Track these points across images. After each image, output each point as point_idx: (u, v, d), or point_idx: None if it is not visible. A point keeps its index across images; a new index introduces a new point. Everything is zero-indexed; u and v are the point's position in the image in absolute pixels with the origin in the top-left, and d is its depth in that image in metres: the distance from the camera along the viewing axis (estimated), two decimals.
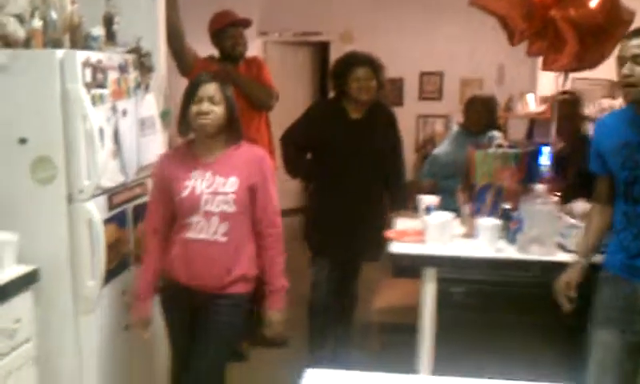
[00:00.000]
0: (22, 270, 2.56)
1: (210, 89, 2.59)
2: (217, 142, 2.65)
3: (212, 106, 2.58)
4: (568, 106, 4.13)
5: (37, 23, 2.74)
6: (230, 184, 2.59)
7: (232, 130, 2.67)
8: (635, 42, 2.31)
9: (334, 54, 8.19)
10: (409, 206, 3.63)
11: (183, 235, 2.63)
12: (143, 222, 2.92)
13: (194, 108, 2.59)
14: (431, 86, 8.19)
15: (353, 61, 3.63)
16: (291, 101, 8.30)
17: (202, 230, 2.59)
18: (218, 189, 2.59)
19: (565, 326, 3.00)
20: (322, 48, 8.53)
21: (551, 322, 3.10)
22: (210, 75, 2.69)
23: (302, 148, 3.77)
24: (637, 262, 2.46)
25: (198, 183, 2.60)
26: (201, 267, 2.62)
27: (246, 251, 2.69)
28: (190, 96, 2.62)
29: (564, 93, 4.22)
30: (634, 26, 2.80)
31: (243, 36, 4.11)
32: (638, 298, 2.45)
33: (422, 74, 8.08)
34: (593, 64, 3.56)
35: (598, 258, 2.69)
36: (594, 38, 3.41)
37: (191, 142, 2.71)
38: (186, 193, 2.59)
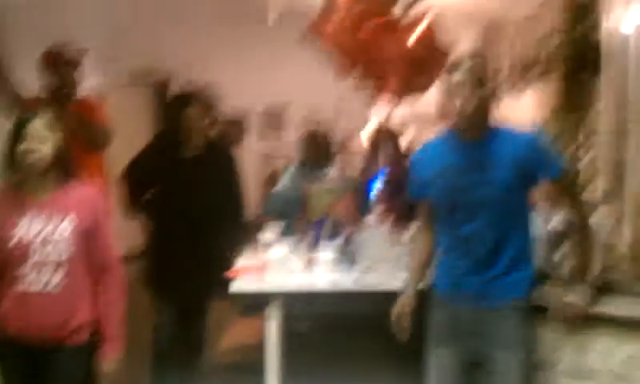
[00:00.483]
0: None
1: (37, 126, 2.47)
2: (47, 181, 2.51)
3: (39, 145, 2.45)
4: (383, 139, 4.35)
5: None
6: (64, 228, 2.47)
7: (62, 168, 2.55)
8: (456, 76, 2.44)
9: (173, 91, 8.10)
10: (250, 244, 3.64)
11: (14, 288, 2.45)
12: None
13: (21, 147, 2.45)
14: (272, 123, 8.32)
15: (185, 99, 3.61)
16: (130, 141, 8.13)
17: (34, 282, 2.44)
18: (50, 235, 2.45)
19: (403, 350, 3.10)
20: (162, 86, 8.40)
21: (390, 347, 3.20)
22: (35, 112, 2.56)
23: (142, 181, 3.69)
24: (460, 284, 2.57)
25: (28, 230, 2.44)
26: (35, 321, 2.46)
27: (86, 297, 2.56)
28: (16, 135, 2.48)
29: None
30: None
31: (72, 75, 3.95)
32: (463, 318, 2.56)
33: (262, 113, 8.20)
34: (417, 94, 3.79)
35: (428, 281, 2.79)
36: (416, 70, 3.64)
37: (16, 184, 2.52)
38: (14, 242, 2.43)
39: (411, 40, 3.66)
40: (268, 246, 3.30)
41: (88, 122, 3.93)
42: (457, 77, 2.43)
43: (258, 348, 3.48)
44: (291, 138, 8.12)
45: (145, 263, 3.85)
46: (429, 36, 3.70)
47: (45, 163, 2.47)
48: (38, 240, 2.44)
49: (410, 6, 3.79)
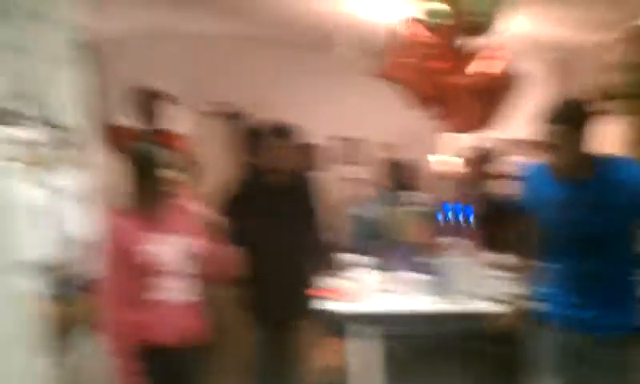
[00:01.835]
0: None
1: (163, 155, 2.70)
2: (163, 205, 2.70)
3: (169, 172, 2.68)
4: (475, 164, 4.35)
5: None
6: (189, 243, 2.69)
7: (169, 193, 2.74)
8: (551, 127, 2.45)
9: (252, 124, 8.34)
10: (333, 267, 3.71)
11: (144, 296, 2.62)
12: (97, 294, 2.79)
13: (157, 174, 2.66)
14: (350, 150, 8.42)
15: (268, 132, 3.76)
16: (213, 172, 8.38)
17: (170, 291, 2.64)
18: (176, 247, 2.65)
19: (498, 374, 3.09)
20: (240, 118, 8.66)
21: (483, 369, 3.20)
22: (150, 143, 2.79)
23: (234, 214, 3.85)
24: (569, 314, 2.56)
25: (161, 244, 2.63)
26: (175, 326, 2.66)
27: (200, 306, 2.78)
28: (149, 164, 2.68)
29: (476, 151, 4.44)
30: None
31: (163, 110, 4.19)
32: (571, 347, 2.55)
33: (340, 140, 8.30)
34: (486, 124, 3.80)
35: (536, 306, 2.76)
36: (484, 101, 3.65)
37: (140, 206, 2.68)
38: (149, 255, 2.60)
39: (480, 69, 3.68)
40: (352, 268, 3.36)
41: (176, 152, 4.15)
42: (555, 127, 2.44)
43: (343, 369, 3.54)
44: (371, 165, 8.23)
45: (241, 287, 3.99)
46: (500, 67, 3.71)
47: (174, 188, 2.70)
48: (172, 252, 2.64)
49: (477, 36, 3.81)
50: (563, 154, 2.45)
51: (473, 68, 3.67)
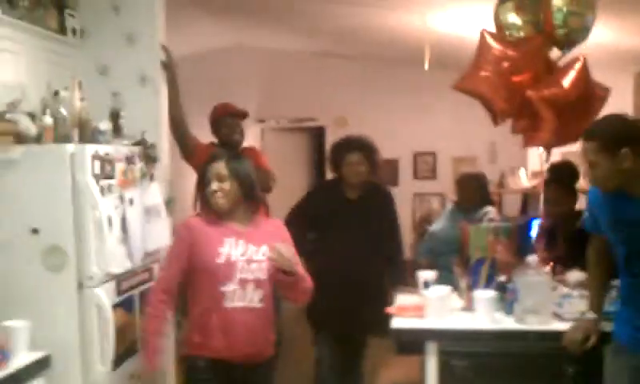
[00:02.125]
0: (34, 356, 2.62)
1: (218, 168, 2.71)
2: (239, 214, 2.75)
3: (221, 184, 2.69)
4: (561, 176, 4.24)
5: (47, 120, 2.91)
6: (263, 252, 2.69)
7: (250, 202, 2.78)
8: (584, 145, 2.47)
9: (330, 138, 8.42)
10: (408, 283, 3.71)
11: (219, 304, 2.64)
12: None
13: (208, 188, 2.71)
14: (425, 165, 8.38)
15: (345, 146, 3.81)
16: (289, 185, 8.49)
17: (239, 297, 2.64)
18: (252, 256, 2.68)
19: None
20: (318, 132, 8.77)
21: None
22: (218, 154, 2.82)
23: (304, 227, 3.90)
24: (638, 335, 2.51)
25: (233, 250, 2.67)
26: (241, 336, 2.65)
27: (273, 316, 2.80)
28: (203, 178, 2.75)
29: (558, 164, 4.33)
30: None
31: (240, 125, 4.29)
32: None
33: (416, 154, 8.29)
34: (572, 139, 3.70)
35: (607, 326, 2.74)
36: (571, 115, 3.57)
37: (216, 212, 2.76)
38: (221, 259, 2.64)
39: (566, 84, 3.60)
40: (426, 284, 3.34)
41: (256, 167, 4.24)
42: (588, 144, 2.46)
43: None
44: (444, 179, 8.17)
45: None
46: (583, 79, 3.61)
47: (229, 200, 2.70)
48: (243, 259, 2.67)
49: (563, 49, 3.74)
50: (599, 171, 2.44)
51: (554, 81, 3.60)
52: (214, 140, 4.33)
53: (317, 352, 3.87)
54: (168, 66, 3.77)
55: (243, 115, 4.35)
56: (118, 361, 2.93)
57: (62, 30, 3.57)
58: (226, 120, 4.24)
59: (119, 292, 3.01)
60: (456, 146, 8.20)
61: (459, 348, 3.19)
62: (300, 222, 3.89)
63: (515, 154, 7.81)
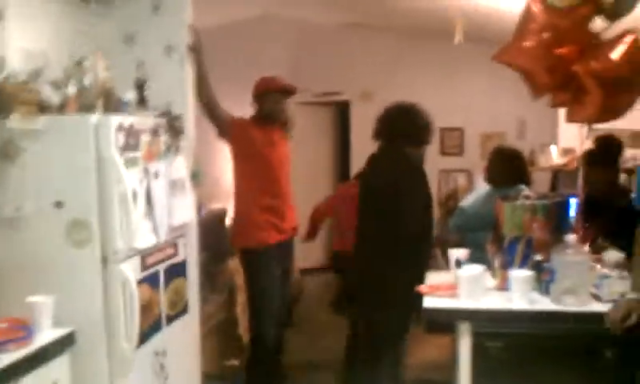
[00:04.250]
0: (59, 332, 2.57)
1: None
2: None
3: None
4: (605, 151, 4.10)
5: (71, 89, 2.82)
6: None
7: None
8: None
9: (355, 112, 8.30)
10: (439, 261, 3.61)
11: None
12: None
13: None
14: (452, 141, 8.23)
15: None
16: (313, 160, 8.42)
17: None
18: None
19: (604, 378, 2.94)
20: (343, 107, 8.64)
21: (589, 373, 3.05)
22: None
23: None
24: None
25: None
26: None
27: None
28: None
29: (601, 138, 4.18)
30: None
31: (285, 101, 4.21)
32: None
33: (443, 130, 8.12)
34: (618, 114, 3.57)
35: None
36: (618, 89, 3.43)
37: None
38: None
39: (613, 57, 3.44)
40: (459, 263, 3.24)
41: None
42: None
43: (446, 366, 3.44)
44: (471, 155, 8.03)
45: (344, 279, 3.96)
46: (633, 53, 3.45)
47: None
48: None
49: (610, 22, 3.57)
50: None
51: (602, 54, 3.44)
52: (252, 113, 4.24)
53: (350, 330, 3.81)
54: (196, 49, 3.66)
55: (290, 92, 4.26)
56: (143, 337, 2.88)
57: None
58: (272, 95, 4.16)
59: (144, 267, 2.94)
60: (484, 122, 8.06)
61: (493, 329, 3.11)
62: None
63: (545, 131, 7.66)
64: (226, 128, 4.04)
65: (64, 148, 2.70)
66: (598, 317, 2.71)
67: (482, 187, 4.41)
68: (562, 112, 4.88)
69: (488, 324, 3.04)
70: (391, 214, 3.50)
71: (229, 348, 4.76)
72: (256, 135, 4.08)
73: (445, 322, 3.15)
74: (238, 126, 4.07)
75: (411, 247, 3.48)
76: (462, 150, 8.25)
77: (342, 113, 8.79)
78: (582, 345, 2.73)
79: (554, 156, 7.36)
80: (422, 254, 3.58)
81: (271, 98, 4.15)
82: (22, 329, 2.45)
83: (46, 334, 2.52)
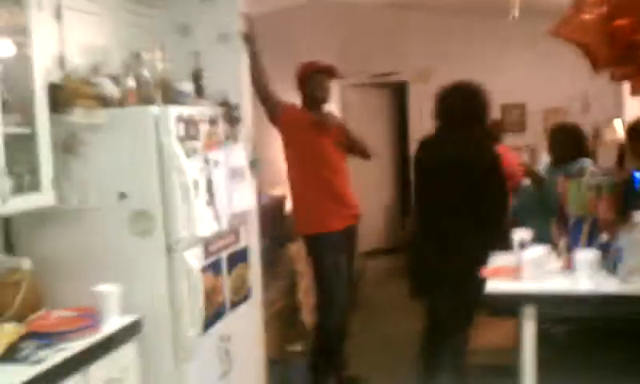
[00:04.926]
0: (126, 320, 2.63)
1: None
2: None
3: None
4: None
5: (130, 82, 2.87)
6: None
7: None
8: None
9: (412, 93, 8.20)
10: (505, 243, 3.51)
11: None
12: None
13: None
14: (514, 117, 8.05)
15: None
16: (370, 142, 8.37)
17: None
18: None
19: None
20: (400, 88, 8.56)
21: None
22: None
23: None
24: None
25: None
26: None
27: None
28: None
29: None
30: None
31: (327, 83, 4.20)
32: None
33: (504, 106, 7.95)
34: None
35: None
36: None
37: None
38: None
39: None
40: (523, 245, 3.17)
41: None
42: None
43: (510, 350, 3.38)
44: (533, 131, 7.84)
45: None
46: None
47: None
48: None
49: None
50: None
51: None
52: (297, 99, 4.25)
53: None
54: (250, 39, 3.68)
55: (332, 72, 4.25)
56: (208, 323, 2.92)
57: None
58: (315, 77, 4.15)
59: (207, 255, 2.99)
60: (546, 98, 7.85)
61: (558, 312, 3.03)
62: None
63: (610, 105, 7.42)
64: (277, 113, 4.05)
65: (125, 140, 2.76)
66: None
67: (544, 165, 4.30)
68: (626, 85, 4.73)
69: (553, 307, 2.96)
70: (469, 196, 3.44)
71: (291, 333, 4.80)
72: (304, 120, 4.07)
73: (508, 306, 3.09)
74: (287, 111, 4.08)
75: (487, 230, 3.43)
76: (524, 126, 8.07)
77: (399, 94, 8.70)
78: None
79: (620, 130, 7.11)
80: (495, 238, 3.50)
81: (315, 79, 4.14)
82: (91, 317, 2.52)
83: (113, 322, 2.58)
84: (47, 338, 2.35)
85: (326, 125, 4.06)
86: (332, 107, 4.67)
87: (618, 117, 7.24)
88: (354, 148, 4.27)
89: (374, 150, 4.39)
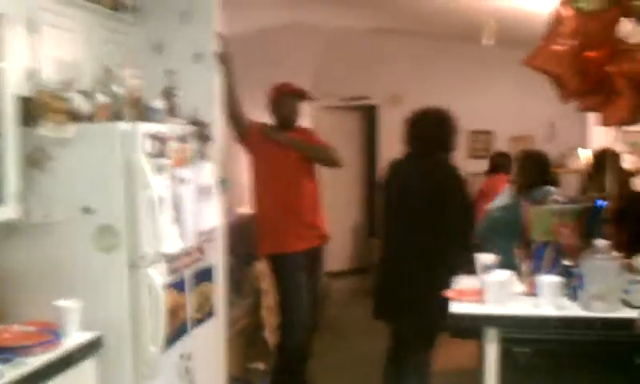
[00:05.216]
0: (86, 336, 2.60)
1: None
2: None
3: None
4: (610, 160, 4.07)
5: (102, 98, 2.87)
6: None
7: None
8: None
9: (383, 117, 8.28)
10: (467, 267, 3.56)
11: None
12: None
13: None
14: (480, 144, 8.17)
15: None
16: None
17: None
18: None
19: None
20: (370, 111, 8.63)
21: (619, 381, 2.99)
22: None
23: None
24: None
25: None
26: None
27: None
28: None
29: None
30: None
31: (298, 105, 4.24)
32: None
33: (472, 133, 8.06)
34: None
35: None
36: None
37: None
38: None
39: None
40: (486, 268, 3.21)
41: (316, 144, 4.23)
42: None
43: (472, 372, 3.40)
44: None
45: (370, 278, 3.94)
46: None
47: None
48: None
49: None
50: None
51: (632, 56, 3.39)
52: (268, 120, 4.27)
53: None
54: (225, 59, 3.69)
55: (303, 95, 4.29)
56: (169, 341, 2.90)
57: (116, 6, 3.51)
58: (286, 99, 4.18)
59: (171, 271, 2.97)
60: (513, 125, 7.99)
61: (520, 335, 3.07)
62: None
63: (574, 134, 7.57)
64: (246, 134, 4.07)
65: (93, 155, 2.74)
66: (628, 323, 2.68)
67: (508, 191, 4.37)
68: (591, 115, 4.83)
69: (515, 330, 3.00)
70: (434, 219, 3.49)
71: (254, 351, 4.78)
72: (270, 140, 4.10)
73: (471, 328, 3.12)
74: (256, 131, 4.10)
75: (451, 253, 3.47)
76: (490, 153, 8.18)
77: (369, 117, 8.78)
78: (612, 351, 2.68)
79: (583, 159, 7.26)
80: (459, 260, 3.55)
81: (286, 101, 4.17)
82: (50, 332, 2.48)
83: (73, 338, 2.55)
84: (6, 352, 2.31)
85: (276, 139, 4.06)
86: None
87: (582, 146, 7.39)
88: (318, 157, 4.27)
89: (339, 157, 4.37)
